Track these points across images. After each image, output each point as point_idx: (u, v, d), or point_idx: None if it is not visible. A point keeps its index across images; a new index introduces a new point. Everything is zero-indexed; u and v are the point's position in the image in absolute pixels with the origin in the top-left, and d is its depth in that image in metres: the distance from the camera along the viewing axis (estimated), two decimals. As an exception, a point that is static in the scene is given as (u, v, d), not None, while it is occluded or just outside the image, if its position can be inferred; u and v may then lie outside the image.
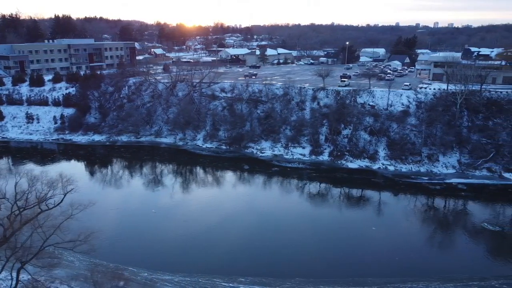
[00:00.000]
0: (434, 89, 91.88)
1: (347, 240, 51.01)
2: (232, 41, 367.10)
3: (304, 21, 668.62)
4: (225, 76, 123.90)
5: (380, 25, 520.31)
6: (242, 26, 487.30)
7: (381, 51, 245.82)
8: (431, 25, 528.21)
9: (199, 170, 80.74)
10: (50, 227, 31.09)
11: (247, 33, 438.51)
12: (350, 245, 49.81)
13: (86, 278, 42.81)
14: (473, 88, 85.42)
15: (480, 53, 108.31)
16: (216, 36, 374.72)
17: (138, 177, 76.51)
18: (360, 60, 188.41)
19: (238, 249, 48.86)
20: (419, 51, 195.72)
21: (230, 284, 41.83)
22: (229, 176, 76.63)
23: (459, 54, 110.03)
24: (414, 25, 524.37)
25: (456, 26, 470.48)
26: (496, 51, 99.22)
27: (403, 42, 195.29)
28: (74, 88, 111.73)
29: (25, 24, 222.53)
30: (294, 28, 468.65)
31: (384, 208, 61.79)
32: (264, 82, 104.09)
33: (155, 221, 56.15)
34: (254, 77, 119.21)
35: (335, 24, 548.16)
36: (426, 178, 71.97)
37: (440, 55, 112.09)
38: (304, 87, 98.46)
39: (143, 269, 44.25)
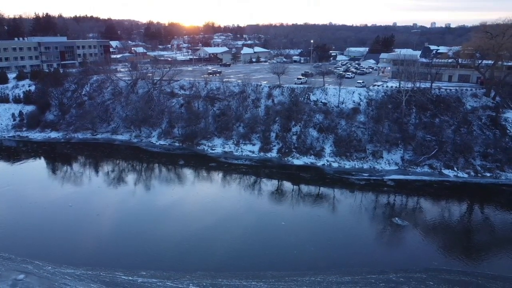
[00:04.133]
0: (387, 86, 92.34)
1: (255, 235, 51.23)
2: (220, 40, 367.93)
3: (302, 21, 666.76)
4: (191, 73, 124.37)
5: (377, 25, 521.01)
6: (240, 26, 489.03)
7: (365, 50, 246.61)
8: (428, 25, 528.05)
9: (134, 166, 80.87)
10: None
11: (237, 33, 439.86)
12: (256, 239, 49.99)
13: (-11, 271, 43.20)
14: (424, 85, 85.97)
15: (438, 51, 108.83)
16: (204, 35, 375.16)
17: (65, 172, 77.14)
18: (337, 59, 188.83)
19: (143, 242, 48.90)
20: (399, 50, 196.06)
21: (129, 277, 41.98)
22: (159, 171, 77.51)
23: (418, 52, 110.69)
24: (412, 25, 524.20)
25: (451, 26, 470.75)
26: (453, 49, 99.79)
27: (381, 41, 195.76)
28: (35, 86, 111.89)
29: (5, 23, 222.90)
30: (286, 28, 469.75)
31: (300, 203, 62.26)
32: (224, 80, 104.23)
33: (70, 215, 56.39)
34: (218, 74, 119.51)
35: (333, 24, 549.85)
36: (367, 174, 72.29)
37: (396, 54, 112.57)
38: (261, 85, 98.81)
39: (48, 263, 44.34)
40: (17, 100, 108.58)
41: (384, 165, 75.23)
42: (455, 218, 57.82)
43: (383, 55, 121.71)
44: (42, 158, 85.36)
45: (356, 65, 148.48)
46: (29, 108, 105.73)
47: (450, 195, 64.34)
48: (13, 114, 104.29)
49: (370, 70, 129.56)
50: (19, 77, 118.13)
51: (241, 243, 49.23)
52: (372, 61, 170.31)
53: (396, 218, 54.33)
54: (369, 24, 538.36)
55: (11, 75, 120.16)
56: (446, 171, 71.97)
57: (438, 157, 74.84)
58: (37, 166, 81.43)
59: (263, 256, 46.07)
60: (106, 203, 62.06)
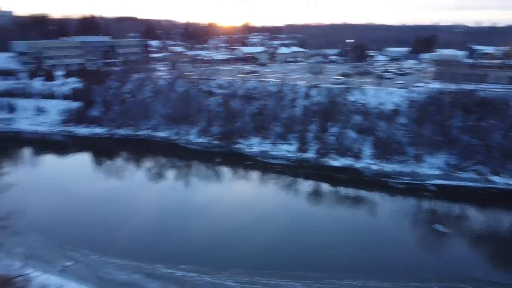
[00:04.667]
0: (429, 88, 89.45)
1: (290, 234, 51.51)
2: (257, 40, 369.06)
3: (340, 20, 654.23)
4: (228, 73, 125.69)
5: (419, 24, 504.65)
6: (277, 26, 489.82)
7: (405, 50, 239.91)
8: (473, 25, 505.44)
9: (173, 163, 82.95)
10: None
11: (274, 32, 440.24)
12: (291, 239, 50.13)
13: (40, 256, 45.70)
14: (468, 87, 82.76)
15: (484, 51, 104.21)
16: (241, 35, 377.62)
17: (107, 167, 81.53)
18: (376, 59, 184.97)
19: (180, 237, 50.57)
20: (441, 50, 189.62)
21: (169, 270, 43.20)
22: (197, 169, 79.58)
23: (462, 53, 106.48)
24: (455, 24, 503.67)
25: (498, 26, 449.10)
26: (501, 49, 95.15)
27: (422, 41, 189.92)
28: (81, 83, 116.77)
29: (53, 23, 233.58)
30: (323, 28, 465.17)
31: (336, 205, 61.94)
32: (260, 79, 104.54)
33: (111, 208, 59.31)
34: (255, 74, 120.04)
35: (371, 23, 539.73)
36: (408, 178, 70.34)
37: (439, 54, 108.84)
38: (297, 85, 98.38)
39: (94, 252, 46.35)
40: (64, 97, 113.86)
41: (426, 169, 72.88)
42: (502, 228, 55.26)
43: (424, 56, 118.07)
44: (87, 153, 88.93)
45: (396, 66, 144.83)
46: (75, 105, 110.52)
47: (497, 203, 61.59)
48: (61, 110, 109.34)
49: (411, 70, 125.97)
50: (66, 75, 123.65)
51: (276, 242, 49.43)
52: (412, 61, 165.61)
53: (438, 225, 52.59)
54: (409, 24, 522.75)
55: (59, 73, 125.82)
56: (493, 178, 68.74)
57: (484, 162, 71.69)
58: (82, 160, 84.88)
59: (299, 256, 45.94)
60: (146, 197, 64.08)
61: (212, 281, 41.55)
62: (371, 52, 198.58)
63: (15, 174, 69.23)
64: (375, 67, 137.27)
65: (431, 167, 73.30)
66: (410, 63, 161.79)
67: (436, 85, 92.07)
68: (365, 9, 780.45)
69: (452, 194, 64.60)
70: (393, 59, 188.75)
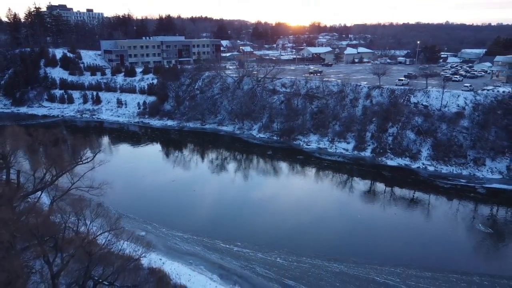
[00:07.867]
0: (498, 91, 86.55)
1: (335, 223, 55.57)
2: (325, 40, 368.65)
3: (414, 20, 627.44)
4: (293, 72, 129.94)
5: (504, 23, 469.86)
6: (346, 25, 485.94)
7: (482, 52, 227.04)
8: None
9: (234, 155, 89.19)
10: (76, 175, 41.49)
11: (343, 32, 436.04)
12: (335, 228, 54.15)
13: (117, 226, 53.55)
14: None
15: None
16: (309, 35, 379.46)
17: (174, 156, 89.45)
18: (448, 61, 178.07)
19: (237, 219, 56.31)
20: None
21: (227, 246, 48.88)
22: (257, 161, 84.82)
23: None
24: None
25: None
26: None
27: (502, 42, 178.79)
28: (157, 79, 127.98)
29: (134, 23, 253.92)
30: (395, 28, 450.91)
31: (381, 201, 64.03)
32: (323, 79, 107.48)
33: (174, 190, 67.08)
34: (319, 74, 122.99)
35: (449, 23, 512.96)
36: (464, 180, 69.93)
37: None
38: (360, 85, 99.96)
39: (163, 226, 53.58)
40: (142, 91, 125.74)
41: (486, 173, 71.81)
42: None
43: (498, 58, 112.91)
44: (158, 143, 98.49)
45: (467, 68, 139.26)
46: (151, 99, 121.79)
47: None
48: (138, 103, 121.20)
49: (482, 73, 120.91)
50: (144, 72, 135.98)
51: (322, 229, 53.31)
52: (488, 64, 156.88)
53: (480, 225, 52.99)
54: (493, 23, 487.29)
55: (138, 70, 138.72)
56: (559, 185, 66.18)
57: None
58: (155, 148, 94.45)
59: (345, 244, 49.56)
60: (209, 184, 71.06)
61: (264, 257, 46.47)
62: (443, 54, 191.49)
63: (100, 158, 79.44)
64: (444, 69, 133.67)
65: (492, 171, 72.00)
66: (484, 66, 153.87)
67: (507, 89, 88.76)
68: (444, 8, 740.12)
69: (503, 198, 63.69)
70: (467, 61, 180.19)
